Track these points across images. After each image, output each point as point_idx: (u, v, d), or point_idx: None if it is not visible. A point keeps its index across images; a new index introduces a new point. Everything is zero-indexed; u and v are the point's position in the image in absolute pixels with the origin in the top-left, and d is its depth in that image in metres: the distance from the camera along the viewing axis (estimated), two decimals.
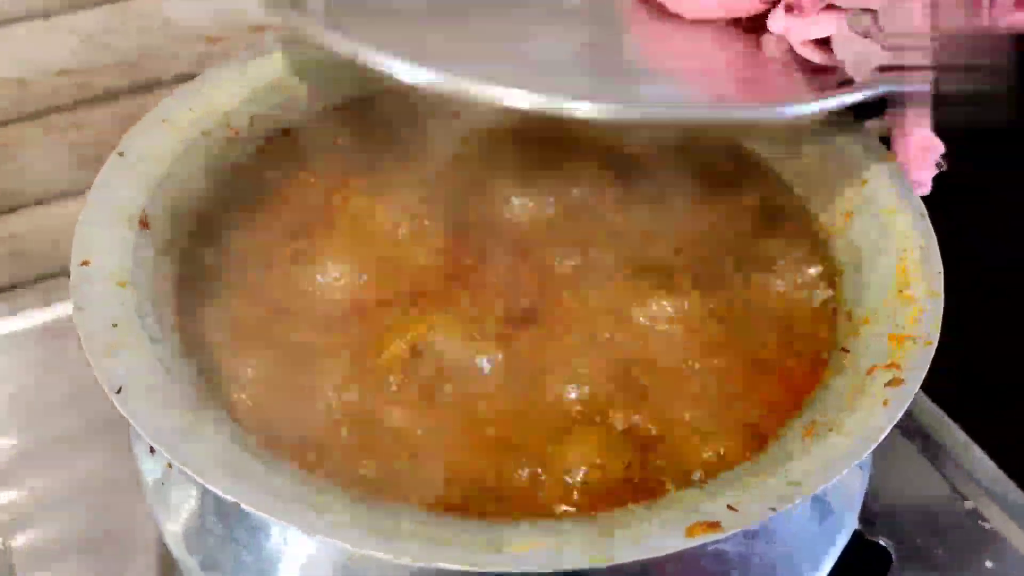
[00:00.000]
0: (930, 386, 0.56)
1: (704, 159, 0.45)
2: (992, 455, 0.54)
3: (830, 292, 0.38)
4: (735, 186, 0.44)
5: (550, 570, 0.26)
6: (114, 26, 0.60)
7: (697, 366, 0.36)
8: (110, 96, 0.63)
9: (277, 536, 0.32)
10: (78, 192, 0.67)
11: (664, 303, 0.38)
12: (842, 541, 0.37)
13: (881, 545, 0.45)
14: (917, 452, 0.54)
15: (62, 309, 0.58)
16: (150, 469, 0.36)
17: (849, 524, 0.37)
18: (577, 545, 0.27)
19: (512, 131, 0.45)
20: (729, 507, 0.28)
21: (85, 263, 0.33)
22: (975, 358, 0.62)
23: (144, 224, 0.36)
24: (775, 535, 0.33)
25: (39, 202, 0.66)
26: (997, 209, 0.61)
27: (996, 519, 0.52)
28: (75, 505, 0.48)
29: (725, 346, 0.37)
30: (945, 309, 0.35)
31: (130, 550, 0.46)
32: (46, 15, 0.59)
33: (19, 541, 0.47)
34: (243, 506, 0.27)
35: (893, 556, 0.46)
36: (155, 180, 0.37)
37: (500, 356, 0.36)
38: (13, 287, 0.67)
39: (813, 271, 0.39)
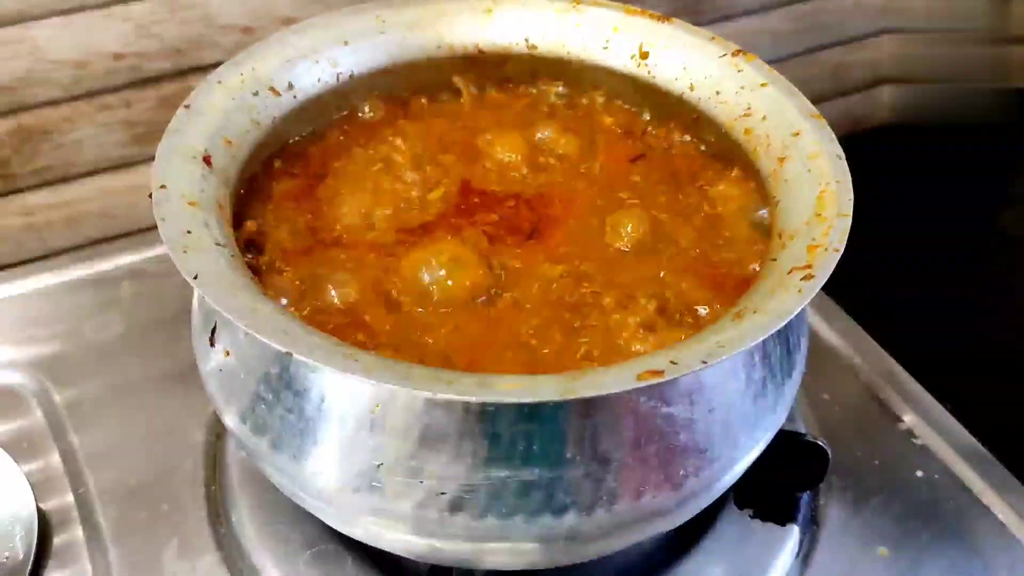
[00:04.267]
0: (873, 326, 0.65)
1: (671, 120, 0.54)
2: (924, 384, 0.62)
3: (767, 219, 0.46)
4: (696, 138, 0.52)
5: (527, 400, 0.34)
6: (162, 16, 0.69)
7: (661, 274, 0.45)
8: (156, 79, 0.71)
9: (315, 398, 0.40)
10: (127, 165, 0.75)
11: (630, 227, 0.46)
12: (772, 424, 0.45)
13: (820, 444, 0.53)
14: (857, 380, 0.63)
15: (115, 262, 0.68)
16: (211, 358, 0.44)
17: (779, 412, 0.45)
18: (550, 386, 0.35)
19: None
20: (671, 362, 0.36)
21: (163, 187, 0.41)
22: (917, 304, 0.71)
23: (207, 161, 0.44)
24: (715, 404, 0.41)
25: (92, 173, 0.74)
26: None
27: (927, 437, 0.59)
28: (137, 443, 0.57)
29: (685, 261, 0.45)
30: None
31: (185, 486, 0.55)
32: (104, 5, 0.67)
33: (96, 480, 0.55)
34: (295, 356, 0.35)
35: (830, 456, 0.53)
36: (214, 128, 0.46)
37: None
38: (67, 251, 0.76)
39: (756, 204, 0.47)
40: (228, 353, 0.43)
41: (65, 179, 0.73)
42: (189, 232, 0.40)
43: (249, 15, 0.72)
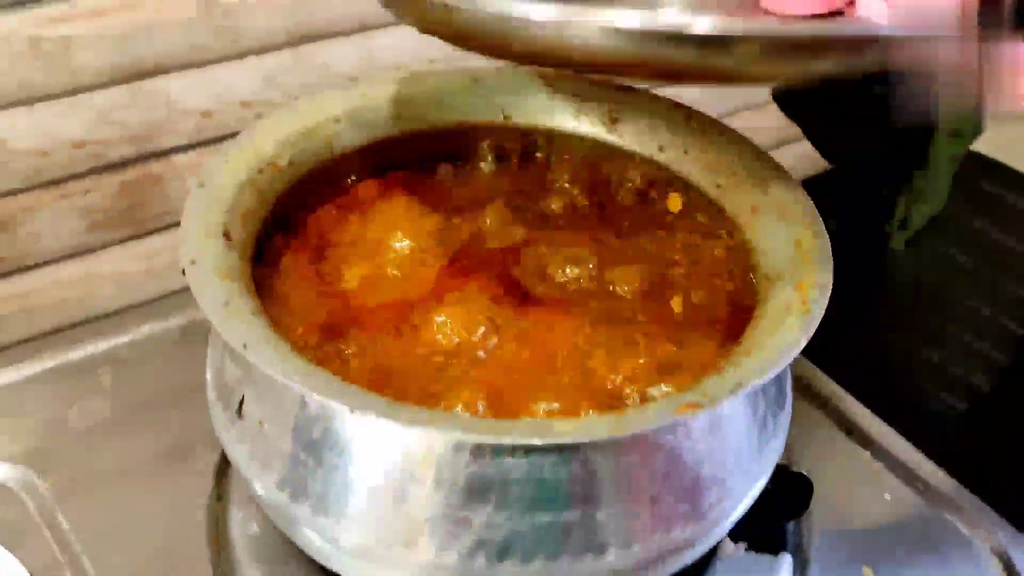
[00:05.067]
0: (826, 363, 0.70)
1: (645, 180, 0.58)
2: (881, 415, 0.67)
3: (751, 265, 0.50)
4: (671, 192, 0.57)
5: (584, 440, 0.37)
6: (125, 103, 0.70)
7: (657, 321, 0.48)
8: (119, 165, 0.72)
9: (362, 457, 0.41)
10: (86, 253, 0.75)
11: (632, 273, 0.50)
12: (774, 452, 0.48)
13: (803, 474, 0.57)
14: (824, 418, 0.67)
15: (82, 351, 0.67)
16: (240, 431, 0.45)
17: (779, 441, 0.49)
18: (600, 425, 0.38)
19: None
20: (702, 395, 0.39)
21: (193, 261, 0.43)
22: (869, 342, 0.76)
23: (227, 236, 0.46)
24: (730, 436, 0.44)
25: (50, 262, 0.73)
26: None
27: (886, 461, 0.64)
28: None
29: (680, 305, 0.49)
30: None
31: None
32: (67, 93, 0.67)
33: None
34: (358, 412, 0.37)
35: (814, 485, 0.57)
36: (227, 204, 0.47)
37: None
38: (24, 342, 0.74)
39: (736, 249, 0.52)
40: (261, 423, 0.44)
41: (23, 269, 0.72)
42: (227, 304, 0.41)
43: (208, 99, 0.73)
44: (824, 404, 0.67)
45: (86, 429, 0.61)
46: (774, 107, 1.11)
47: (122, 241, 0.76)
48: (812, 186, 0.54)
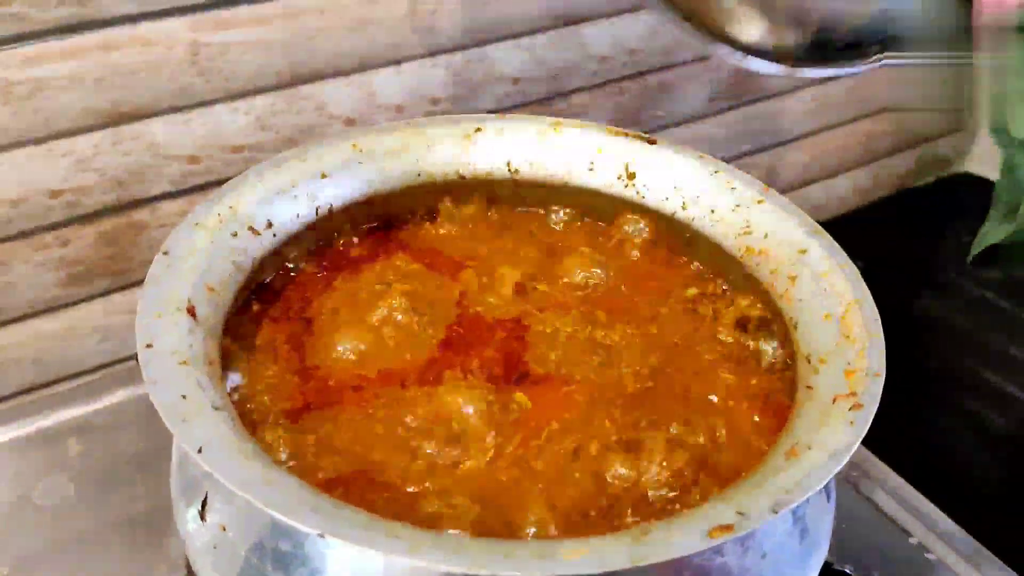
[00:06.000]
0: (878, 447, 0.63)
1: (664, 240, 0.52)
2: (931, 499, 0.61)
3: (788, 341, 0.44)
4: (697, 261, 0.51)
5: (599, 571, 0.31)
6: (105, 149, 0.65)
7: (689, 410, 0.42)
8: (98, 214, 0.67)
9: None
10: (62, 307, 0.70)
11: (647, 351, 0.44)
12: (818, 560, 0.42)
13: (847, 573, 0.50)
14: (868, 501, 0.61)
15: (58, 417, 0.61)
16: (201, 534, 0.39)
17: (823, 546, 0.43)
18: (617, 550, 0.32)
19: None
20: (738, 513, 0.33)
21: (149, 346, 0.37)
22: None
23: (191, 312, 0.40)
24: (766, 550, 0.38)
25: (24, 317, 0.68)
26: None
27: (938, 550, 0.58)
28: None
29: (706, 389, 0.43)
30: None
31: None
32: (44, 140, 0.63)
33: None
34: (329, 538, 0.31)
35: None
36: (195, 274, 0.42)
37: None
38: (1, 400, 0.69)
39: (770, 325, 0.46)
40: (224, 528, 0.38)
41: None
42: (184, 397, 0.36)
43: (195, 144, 0.68)
44: (867, 484, 0.61)
45: (51, 507, 0.55)
46: (800, 144, 1.06)
47: (104, 293, 0.71)
48: (842, 224, 0.49)
